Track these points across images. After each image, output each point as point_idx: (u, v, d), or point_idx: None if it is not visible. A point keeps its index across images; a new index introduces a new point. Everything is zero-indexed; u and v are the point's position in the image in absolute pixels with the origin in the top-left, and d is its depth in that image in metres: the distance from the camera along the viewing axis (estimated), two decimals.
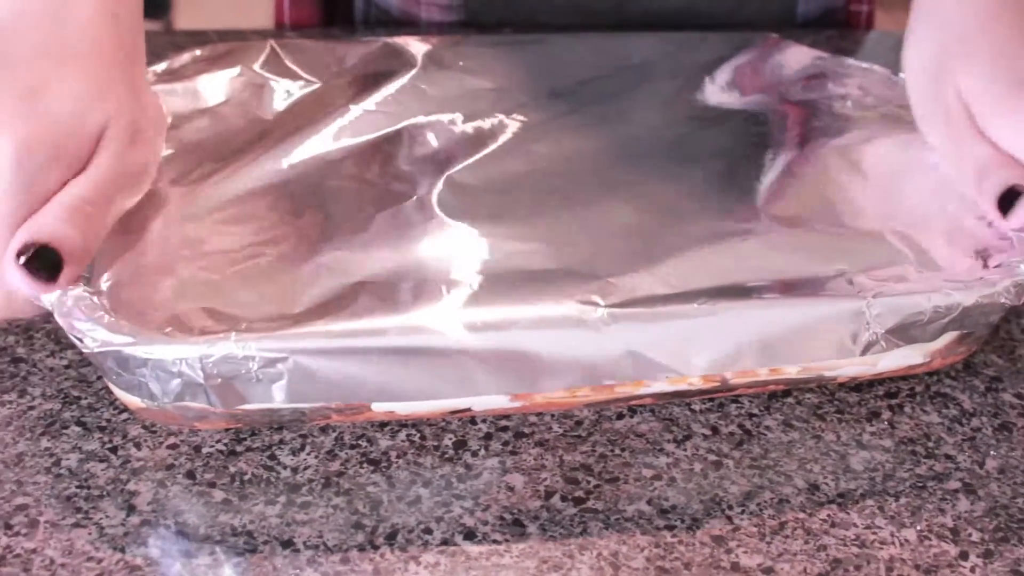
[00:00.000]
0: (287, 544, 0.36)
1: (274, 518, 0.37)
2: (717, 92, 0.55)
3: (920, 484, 0.40)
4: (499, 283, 0.38)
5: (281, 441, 0.40)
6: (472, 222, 0.42)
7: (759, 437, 0.41)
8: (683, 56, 0.58)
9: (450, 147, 0.48)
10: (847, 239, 0.43)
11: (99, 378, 0.42)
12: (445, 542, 0.36)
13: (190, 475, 0.38)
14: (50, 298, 0.36)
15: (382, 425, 0.41)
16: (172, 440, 0.40)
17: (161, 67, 0.52)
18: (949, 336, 0.41)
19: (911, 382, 0.45)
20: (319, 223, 0.42)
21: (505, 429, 0.41)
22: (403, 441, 0.40)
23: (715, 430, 0.42)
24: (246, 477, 0.38)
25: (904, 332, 0.39)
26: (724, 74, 0.56)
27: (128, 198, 0.41)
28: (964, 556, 0.37)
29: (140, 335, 0.35)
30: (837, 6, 0.78)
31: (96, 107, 0.39)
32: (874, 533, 0.37)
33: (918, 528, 0.38)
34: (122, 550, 0.35)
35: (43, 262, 0.36)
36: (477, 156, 0.47)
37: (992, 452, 0.41)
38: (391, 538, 0.36)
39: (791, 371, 0.40)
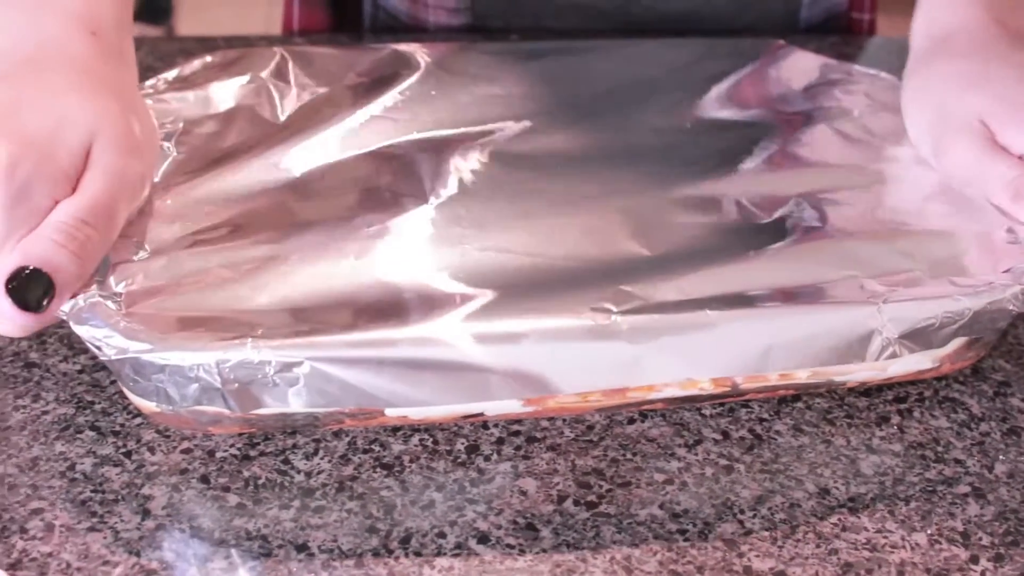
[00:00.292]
0: (302, 548, 0.36)
1: (288, 522, 0.37)
2: (724, 100, 0.55)
3: (930, 488, 0.40)
4: (512, 292, 0.39)
5: (294, 446, 0.40)
6: (482, 230, 0.42)
7: (769, 442, 0.42)
8: (691, 63, 0.58)
9: (459, 154, 0.48)
10: (857, 245, 0.43)
11: (112, 382, 0.42)
12: (459, 546, 0.36)
13: (204, 479, 0.39)
14: (65, 307, 0.37)
15: (395, 430, 0.41)
16: (186, 444, 0.40)
17: (172, 74, 0.52)
18: (958, 341, 0.41)
19: (920, 387, 0.45)
20: (329, 228, 0.42)
21: (517, 434, 0.41)
22: (416, 446, 0.40)
23: (726, 435, 0.42)
24: (260, 481, 0.39)
25: (915, 337, 0.39)
26: (732, 82, 0.56)
27: (126, 210, 0.40)
28: (975, 560, 0.37)
29: (158, 341, 0.35)
30: (840, 12, 0.78)
31: (79, 121, 0.38)
32: (885, 537, 0.38)
33: (928, 532, 0.38)
34: (137, 554, 0.36)
35: (33, 288, 0.35)
36: (486, 164, 0.47)
37: (1001, 456, 0.42)
38: (405, 542, 0.36)
39: (801, 376, 0.40)
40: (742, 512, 0.38)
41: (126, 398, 0.41)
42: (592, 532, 0.37)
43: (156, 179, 0.44)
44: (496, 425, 0.42)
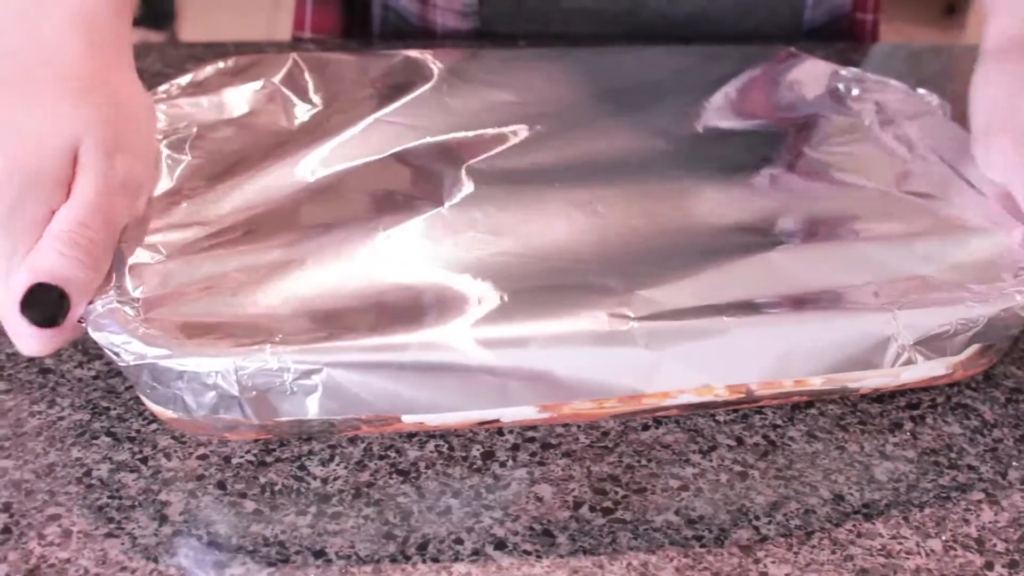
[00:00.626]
0: (319, 554, 0.36)
1: (305, 528, 0.37)
2: (734, 107, 0.55)
3: (944, 495, 0.40)
4: (528, 296, 0.39)
5: (310, 452, 0.40)
6: (497, 234, 0.43)
7: (783, 448, 0.42)
8: (700, 70, 0.58)
9: (472, 159, 0.48)
10: (872, 248, 0.43)
11: (128, 388, 0.43)
12: (476, 552, 0.36)
13: (220, 485, 0.39)
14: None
15: (410, 436, 0.41)
16: (202, 451, 0.40)
17: (186, 79, 0.52)
18: (972, 348, 0.41)
19: (932, 393, 0.45)
20: (344, 232, 0.42)
21: (532, 440, 0.41)
22: (431, 452, 0.40)
23: (740, 441, 0.42)
24: (276, 488, 0.39)
25: (930, 344, 0.39)
26: (741, 89, 0.56)
27: (129, 207, 0.40)
28: (990, 566, 0.37)
29: (176, 347, 0.35)
30: (843, 13, 0.79)
31: (65, 126, 0.38)
32: (900, 543, 0.38)
33: (943, 538, 0.38)
34: (155, 560, 0.36)
35: (48, 303, 0.35)
36: (500, 168, 0.48)
37: (1014, 463, 0.42)
38: (422, 548, 0.37)
39: (815, 383, 0.40)
40: (757, 518, 0.38)
41: (142, 404, 0.41)
42: (608, 538, 0.37)
43: (172, 183, 0.44)
44: (511, 431, 0.42)
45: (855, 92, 0.57)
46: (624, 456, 0.41)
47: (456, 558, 0.36)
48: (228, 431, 0.38)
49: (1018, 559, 0.37)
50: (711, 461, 0.41)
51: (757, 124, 0.54)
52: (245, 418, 0.36)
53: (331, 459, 0.40)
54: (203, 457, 0.40)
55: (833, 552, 0.37)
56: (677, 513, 0.39)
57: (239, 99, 0.51)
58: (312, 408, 0.36)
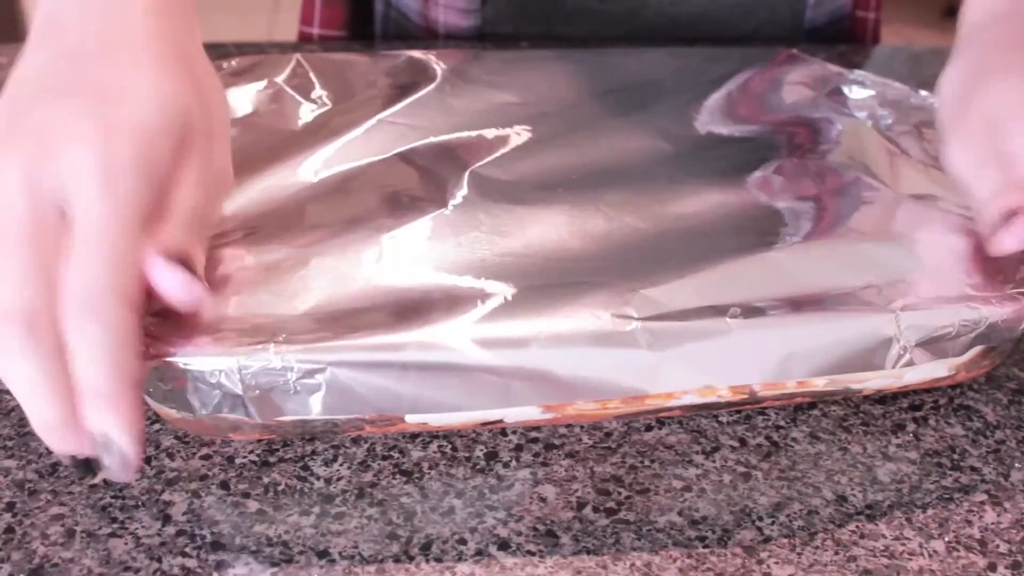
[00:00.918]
0: (323, 555, 0.36)
1: (309, 528, 0.37)
2: (734, 109, 0.55)
3: (947, 496, 0.40)
4: (531, 296, 0.39)
5: (313, 452, 0.40)
6: (500, 235, 0.43)
7: (786, 449, 0.42)
8: (702, 72, 0.59)
9: (476, 159, 0.48)
10: (874, 248, 0.43)
11: None
12: (479, 553, 0.37)
13: (224, 486, 0.39)
14: None
15: (413, 436, 0.41)
16: (205, 451, 0.40)
17: None
18: (974, 350, 0.41)
19: (935, 395, 0.45)
20: (348, 233, 0.42)
21: (535, 440, 0.41)
22: (435, 452, 0.41)
23: (743, 442, 0.42)
24: (280, 488, 0.39)
25: (932, 346, 0.39)
26: (741, 91, 0.57)
27: (220, 206, 0.38)
28: (993, 568, 0.37)
29: (180, 347, 0.35)
30: (844, 14, 0.79)
31: (175, 106, 0.35)
32: (903, 544, 0.38)
33: (946, 539, 0.38)
34: (158, 560, 0.36)
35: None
36: (503, 168, 0.48)
37: (1017, 464, 0.42)
38: (426, 549, 0.37)
39: (819, 384, 0.40)
40: (760, 519, 0.39)
41: (145, 403, 0.41)
42: (612, 539, 0.37)
43: None
44: (514, 432, 0.42)
45: (856, 94, 0.57)
46: (627, 457, 0.41)
47: (459, 558, 0.36)
48: (232, 431, 0.38)
49: (1021, 560, 0.37)
50: (714, 462, 0.41)
51: (758, 126, 0.54)
52: (249, 417, 0.36)
53: (334, 459, 0.40)
54: (206, 457, 0.40)
55: (836, 553, 0.37)
56: (680, 514, 0.39)
57: (242, 99, 0.51)
58: (316, 407, 0.36)
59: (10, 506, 0.37)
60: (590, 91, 0.55)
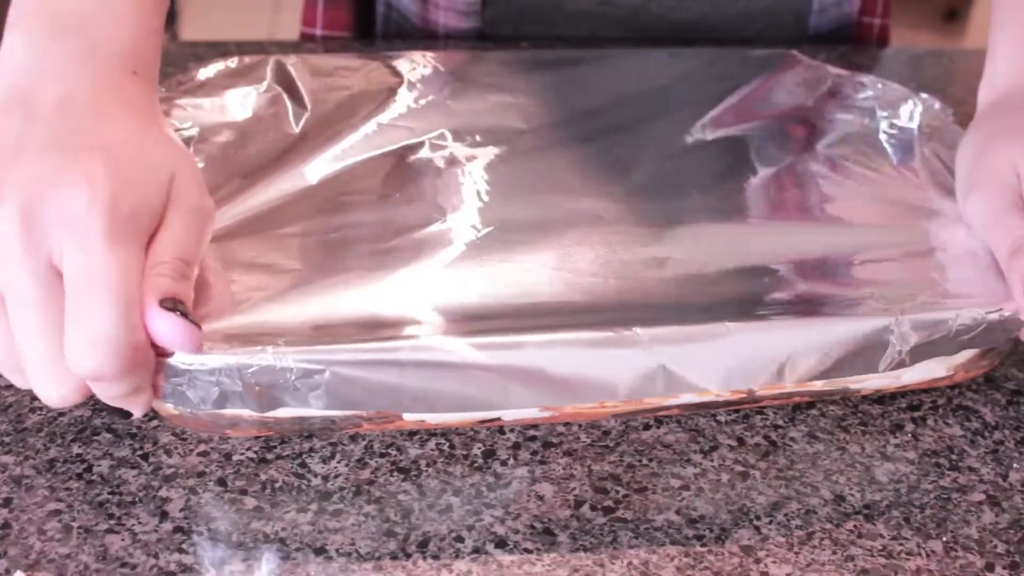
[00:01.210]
0: (320, 551, 0.36)
1: (306, 525, 0.37)
2: (734, 111, 0.55)
3: (944, 496, 0.40)
4: (531, 301, 0.39)
5: (311, 449, 0.40)
6: (498, 240, 0.42)
7: (784, 448, 0.42)
8: (702, 74, 0.58)
9: (474, 164, 0.48)
10: (875, 252, 0.43)
11: None
12: (477, 550, 0.36)
13: (221, 482, 0.39)
14: None
15: (411, 434, 0.41)
16: (202, 447, 0.40)
17: (187, 79, 0.52)
18: (972, 351, 0.41)
19: (933, 395, 0.45)
20: (346, 241, 0.42)
21: (533, 439, 0.41)
22: (432, 450, 0.40)
23: (741, 441, 0.42)
24: (277, 485, 0.39)
25: (930, 348, 0.39)
26: (742, 93, 0.56)
27: (206, 242, 0.39)
28: (990, 568, 0.37)
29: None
30: (850, 22, 0.79)
31: (160, 161, 0.37)
32: (900, 544, 0.38)
33: (944, 540, 0.38)
34: (155, 556, 0.36)
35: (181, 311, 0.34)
36: (501, 173, 0.48)
37: (1015, 465, 0.42)
38: (423, 546, 0.37)
39: (817, 384, 0.40)
40: (758, 518, 0.38)
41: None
42: (609, 537, 0.37)
43: None
44: (512, 430, 0.42)
45: (857, 95, 0.57)
46: (625, 455, 0.41)
47: (457, 556, 0.36)
48: (229, 428, 0.38)
49: (1019, 560, 0.37)
50: (712, 461, 0.41)
51: (759, 128, 0.54)
52: (248, 411, 0.36)
53: (332, 456, 0.40)
54: (204, 454, 0.40)
55: (834, 552, 0.37)
56: (678, 512, 0.39)
57: (241, 101, 0.51)
58: (315, 404, 0.36)
59: (7, 502, 0.37)
60: (590, 94, 0.55)
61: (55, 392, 0.34)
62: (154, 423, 0.41)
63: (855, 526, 0.38)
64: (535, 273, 0.41)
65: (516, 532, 0.37)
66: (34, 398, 0.42)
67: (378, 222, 0.43)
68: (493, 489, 0.39)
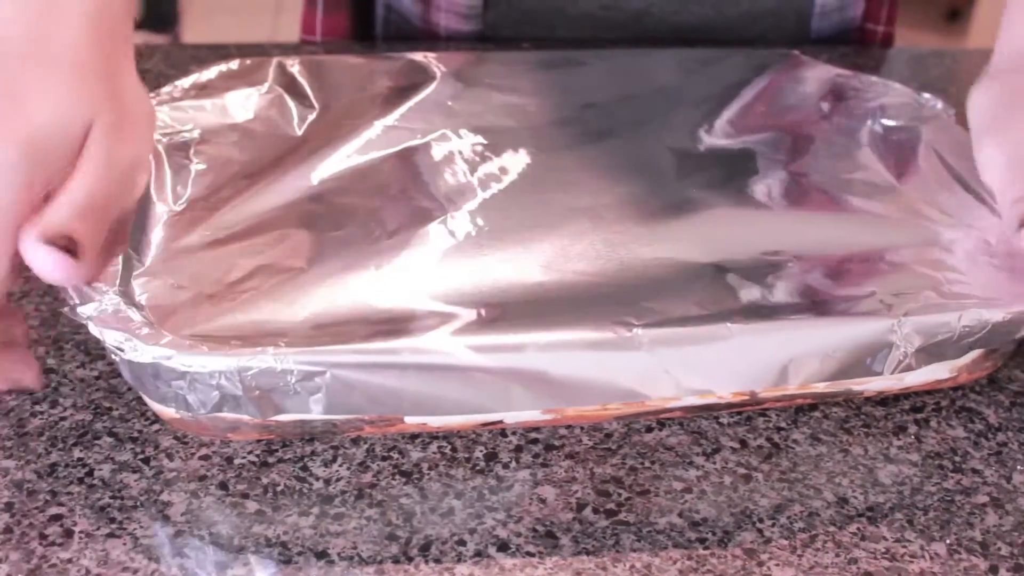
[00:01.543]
0: (321, 555, 0.36)
1: (308, 529, 0.37)
2: (736, 112, 0.55)
3: (948, 498, 0.40)
4: (531, 302, 0.39)
5: (313, 453, 0.40)
6: (500, 241, 0.42)
7: (787, 450, 0.42)
8: (704, 75, 0.58)
9: (475, 165, 0.48)
10: (876, 263, 0.43)
11: (130, 389, 0.42)
12: (479, 554, 0.36)
13: (223, 486, 0.39)
14: (87, 311, 0.37)
15: (413, 437, 0.41)
16: (204, 451, 0.40)
17: (188, 81, 0.52)
18: (975, 352, 0.41)
19: (936, 396, 0.45)
20: (348, 240, 0.42)
21: (535, 442, 0.41)
22: (434, 453, 0.40)
23: (743, 443, 0.42)
24: (279, 488, 0.39)
25: (933, 350, 0.39)
26: (745, 93, 0.56)
27: (124, 197, 0.40)
28: (994, 570, 0.37)
29: (180, 348, 0.35)
30: (853, 26, 0.78)
31: (75, 112, 0.38)
32: (904, 547, 0.38)
33: (948, 542, 0.38)
34: (157, 560, 0.36)
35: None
36: (503, 174, 0.47)
37: (1019, 467, 0.42)
38: (425, 550, 0.36)
39: (819, 386, 0.40)
40: (761, 521, 0.38)
41: (144, 404, 0.41)
42: (612, 540, 0.37)
43: (177, 190, 0.44)
44: (514, 433, 0.42)
45: (859, 95, 0.57)
46: (627, 458, 0.41)
47: (459, 559, 0.36)
48: (231, 431, 0.38)
49: (1023, 563, 0.37)
50: (715, 463, 0.41)
51: (761, 128, 0.53)
52: (248, 416, 0.36)
53: (333, 460, 0.40)
54: (205, 457, 0.40)
55: (837, 555, 0.37)
56: (680, 515, 0.38)
57: (243, 103, 0.51)
58: (315, 408, 0.36)
59: (8, 506, 0.37)
60: (593, 96, 0.55)
61: None
62: (155, 427, 0.41)
63: (858, 528, 0.38)
64: (535, 272, 0.41)
65: (518, 535, 0.37)
66: (35, 402, 0.42)
67: (379, 221, 0.43)
68: (495, 492, 0.39)
